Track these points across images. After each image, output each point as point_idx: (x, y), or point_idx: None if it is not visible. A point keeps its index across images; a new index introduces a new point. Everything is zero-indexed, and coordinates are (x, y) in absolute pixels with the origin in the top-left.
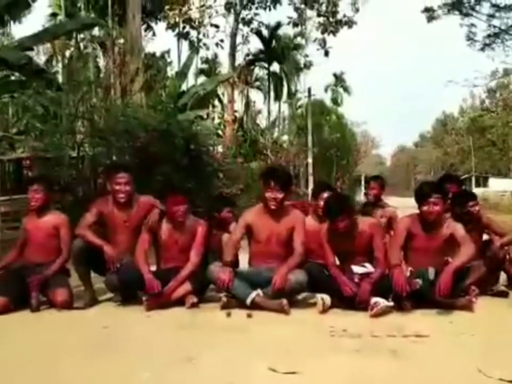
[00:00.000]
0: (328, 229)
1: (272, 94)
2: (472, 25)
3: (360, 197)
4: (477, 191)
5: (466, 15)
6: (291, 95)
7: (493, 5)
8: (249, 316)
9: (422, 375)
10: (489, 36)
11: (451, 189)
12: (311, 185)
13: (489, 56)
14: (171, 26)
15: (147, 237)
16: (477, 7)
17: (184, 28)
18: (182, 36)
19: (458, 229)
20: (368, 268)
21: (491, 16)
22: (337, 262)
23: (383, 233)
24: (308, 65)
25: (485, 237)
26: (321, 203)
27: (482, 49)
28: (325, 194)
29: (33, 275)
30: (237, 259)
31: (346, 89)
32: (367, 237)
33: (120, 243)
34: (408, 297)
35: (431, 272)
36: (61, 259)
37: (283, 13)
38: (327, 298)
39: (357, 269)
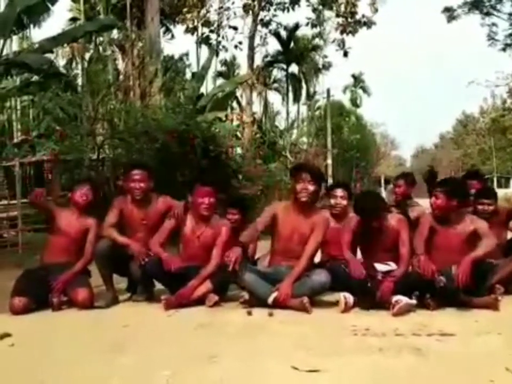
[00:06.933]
0: (358, 223)
1: (290, 95)
2: (493, 24)
3: None
4: (498, 192)
5: (487, 14)
6: (309, 96)
7: None
8: (270, 314)
9: (447, 374)
10: (510, 35)
11: (474, 185)
12: None
13: (510, 56)
14: (190, 30)
15: (169, 226)
16: (498, 6)
17: (203, 34)
18: (202, 40)
19: (481, 224)
20: (392, 266)
21: None
22: (361, 258)
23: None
24: (326, 66)
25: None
26: (334, 201)
27: (503, 49)
28: (339, 191)
29: (55, 275)
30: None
31: (365, 90)
32: (394, 232)
33: (137, 241)
34: (432, 295)
35: (454, 271)
36: (84, 260)
37: (301, 14)
38: (349, 297)
39: (380, 266)
